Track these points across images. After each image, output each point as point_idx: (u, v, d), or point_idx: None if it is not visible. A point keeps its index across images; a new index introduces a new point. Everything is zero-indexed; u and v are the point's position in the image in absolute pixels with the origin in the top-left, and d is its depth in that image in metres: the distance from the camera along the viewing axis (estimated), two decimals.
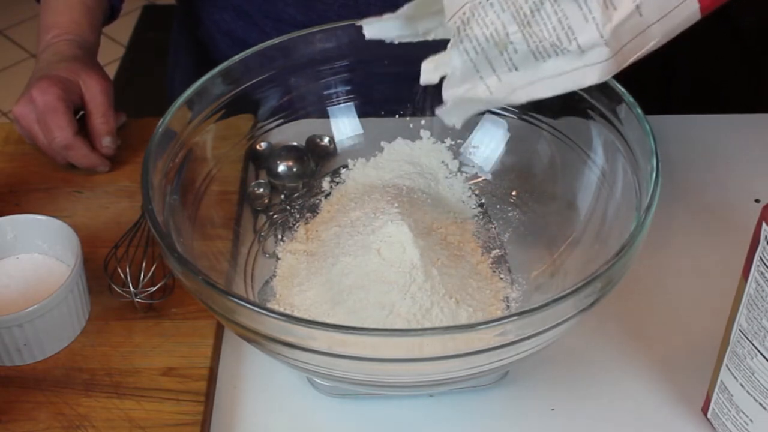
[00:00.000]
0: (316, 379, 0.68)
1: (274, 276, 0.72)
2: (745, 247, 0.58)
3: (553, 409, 0.68)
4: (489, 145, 0.79)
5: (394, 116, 0.81)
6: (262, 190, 0.80)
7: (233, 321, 0.58)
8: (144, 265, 0.72)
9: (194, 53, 1.06)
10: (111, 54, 2.61)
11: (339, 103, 0.80)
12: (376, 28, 0.66)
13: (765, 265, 0.55)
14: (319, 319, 0.65)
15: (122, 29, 2.71)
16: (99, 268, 0.74)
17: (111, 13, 0.95)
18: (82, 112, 0.85)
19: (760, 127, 0.92)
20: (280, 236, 0.76)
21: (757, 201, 0.82)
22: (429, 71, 0.61)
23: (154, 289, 0.71)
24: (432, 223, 0.73)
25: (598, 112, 0.70)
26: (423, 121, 0.80)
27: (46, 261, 0.74)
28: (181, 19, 1.11)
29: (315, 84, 0.79)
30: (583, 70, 0.58)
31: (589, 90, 0.70)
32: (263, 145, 0.81)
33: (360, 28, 0.65)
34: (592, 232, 0.70)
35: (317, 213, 0.77)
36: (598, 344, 0.72)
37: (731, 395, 0.62)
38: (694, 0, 0.57)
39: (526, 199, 0.77)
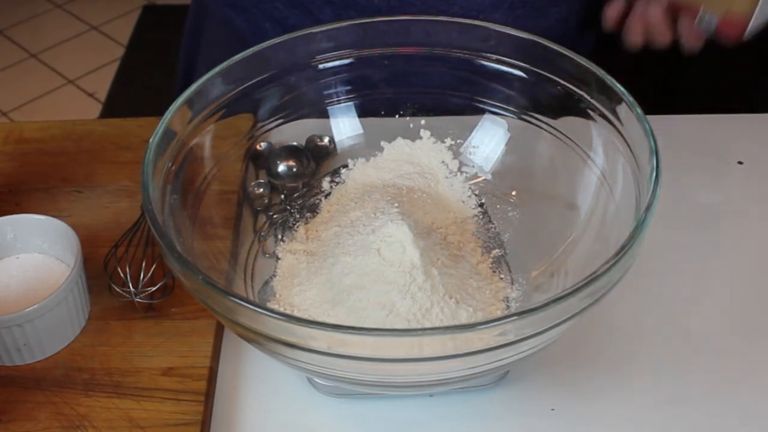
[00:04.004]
0: (316, 379, 0.68)
1: (274, 276, 0.72)
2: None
3: (553, 409, 0.68)
4: (489, 145, 0.79)
5: (394, 116, 0.81)
6: (262, 190, 0.80)
7: (233, 321, 0.58)
8: (144, 264, 0.72)
9: (228, 43, 1.04)
10: (111, 54, 2.61)
11: (339, 103, 0.80)
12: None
13: None
14: (319, 319, 0.65)
15: (122, 29, 2.72)
16: (99, 268, 0.74)
17: None
18: None
19: (760, 127, 0.92)
20: (280, 236, 0.76)
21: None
22: None
23: (154, 288, 0.71)
24: (432, 223, 0.73)
25: (598, 112, 0.70)
26: (423, 121, 0.80)
27: (46, 261, 0.74)
28: (201, 12, 1.09)
29: (315, 84, 0.79)
30: None
31: (589, 90, 0.71)
32: (263, 145, 0.81)
33: (360, 27, 0.65)
34: (592, 232, 0.70)
35: (317, 213, 0.77)
36: (598, 344, 0.72)
37: None
38: None
39: (526, 199, 0.77)
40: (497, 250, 0.73)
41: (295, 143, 0.82)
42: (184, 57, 1.13)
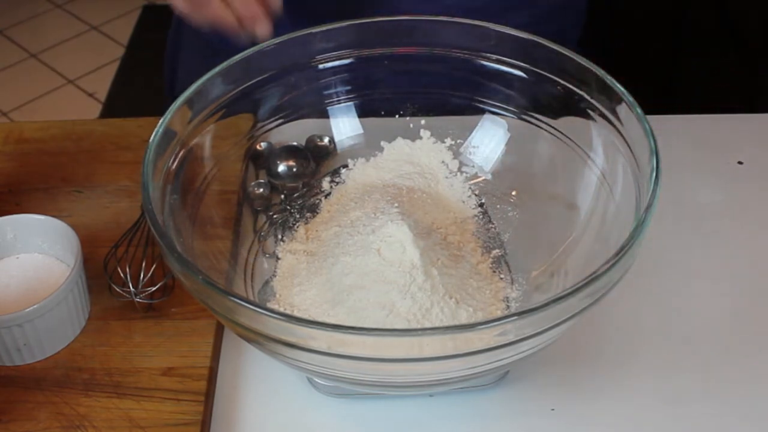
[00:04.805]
0: (316, 379, 0.68)
1: (274, 276, 0.72)
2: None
3: (553, 409, 0.68)
4: (489, 145, 0.79)
5: (394, 116, 0.81)
6: (262, 190, 0.80)
7: (233, 321, 0.58)
8: (144, 264, 0.72)
9: (202, 51, 1.04)
10: (111, 54, 2.61)
11: (339, 103, 0.80)
12: None
13: None
14: (319, 319, 0.65)
15: (122, 29, 2.71)
16: (99, 268, 0.74)
17: None
18: None
19: (760, 127, 0.92)
20: (280, 236, 0.76)
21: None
22: None
23: (154, 288, 0.71)
24: (432, 223, 0.73)
25: (598, 112, 0.70)
26: (423, 121, 0.80)
27: (46, 261, 0.74)
28: (180, 20, 1.09)
29: (315, 84, 0.79)
30: None
31: (589, 90, 0.71)
32: (263, 145, 0.81)
33: (360, 27, 0.65)
34: (592, 232, 0.70)
35: (317, 213, 0.77)
36: (598, 344, 0.72)
37: None
38: None
39: (526, 199, 0.77)
40: (497, 250, 0.73)
41: (295, 143, 0.82)
42: (168, 65, 1.13)
